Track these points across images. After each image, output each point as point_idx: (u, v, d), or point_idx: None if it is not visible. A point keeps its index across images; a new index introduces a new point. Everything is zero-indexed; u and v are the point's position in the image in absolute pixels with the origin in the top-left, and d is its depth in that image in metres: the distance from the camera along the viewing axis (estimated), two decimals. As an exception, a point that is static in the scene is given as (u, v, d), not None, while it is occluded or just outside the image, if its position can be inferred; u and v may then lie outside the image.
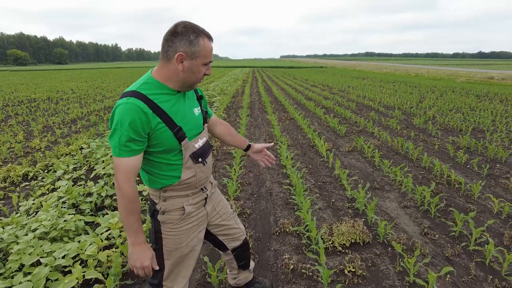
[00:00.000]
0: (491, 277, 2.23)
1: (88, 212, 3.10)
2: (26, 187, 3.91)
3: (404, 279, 2.21)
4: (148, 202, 1.40)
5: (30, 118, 8.44)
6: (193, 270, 1.88)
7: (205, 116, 1.44)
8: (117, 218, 2.64)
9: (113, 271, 2.10)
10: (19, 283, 1.90)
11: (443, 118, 7.81)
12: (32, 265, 2.16)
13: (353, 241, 2.63)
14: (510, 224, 2.93)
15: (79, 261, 2.23)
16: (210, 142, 1.45)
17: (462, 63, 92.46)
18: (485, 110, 9.23)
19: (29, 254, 2.13)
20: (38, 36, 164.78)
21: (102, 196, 3.33)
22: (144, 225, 2.48)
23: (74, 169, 4.42)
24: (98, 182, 3.64)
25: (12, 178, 4.09)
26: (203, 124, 1.41)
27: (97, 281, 2.19)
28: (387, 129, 6.94)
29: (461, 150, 5.16)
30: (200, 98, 1.44)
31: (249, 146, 1.70)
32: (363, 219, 2.97)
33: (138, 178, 4.00)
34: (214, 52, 1.28)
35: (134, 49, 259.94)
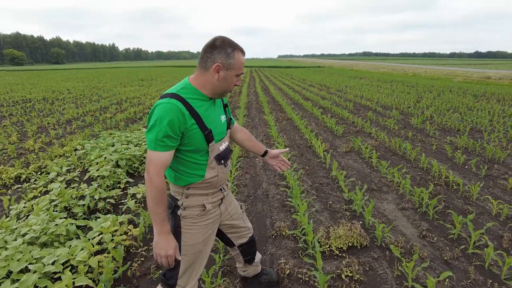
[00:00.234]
0: (490, 281, 2.19)
1: (81, 216, 3.03)
2: (18, 189, 3.83)
3: (403, 284, 2.17)
4: (169, 198, 1.47)
5: (25, 118, 8.33)
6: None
7: (229, 122, 1.60)
8: (109, 221, 2.58)
9: (104, 277, 2.05)
10: (6, 291, 1.84)
11: (441, 118, 7.80)
12: (21, 271, 2.10)
13: (350, 244, 2.59)
14: (509, 226, 2.90)
15: (69, 267, 2.17)
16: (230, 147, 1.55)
17: (459, 62, 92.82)
18: (482, 110, 9.22)
19: (17, 260, 2.06)
20: (35, 36, 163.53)
21: (95, 199, 3.27)
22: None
23: (68, 171, 4.35)
24: (91, 184, 3.57)
25: (4, 180, 4.01)
26: (227, 130, 1.55)
27: None
28: (385, 130, 6.91)
29: (459, 151, 5.14)
30: (225, 106, 1.58)
31: (266, 152, 1.81)
32: (360, 222, 2.93)
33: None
34: None
35: (131, 49, 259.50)
